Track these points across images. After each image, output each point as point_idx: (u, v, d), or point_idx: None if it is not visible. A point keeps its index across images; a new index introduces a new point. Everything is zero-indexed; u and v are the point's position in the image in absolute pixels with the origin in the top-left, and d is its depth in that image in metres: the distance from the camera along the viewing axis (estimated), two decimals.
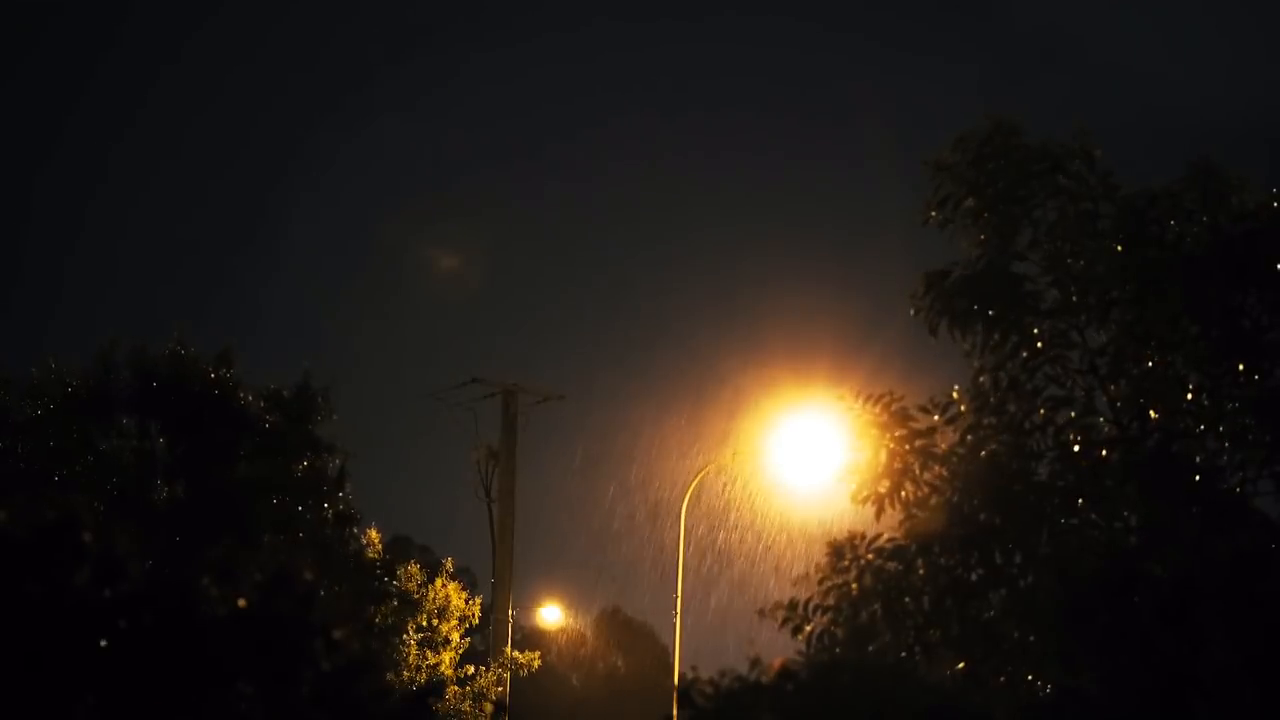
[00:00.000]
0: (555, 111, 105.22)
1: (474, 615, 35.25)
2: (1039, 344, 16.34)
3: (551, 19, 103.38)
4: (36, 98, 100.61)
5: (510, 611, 39.14)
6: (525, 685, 39.50)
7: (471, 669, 35.13)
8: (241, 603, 7.82)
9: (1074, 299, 16.46)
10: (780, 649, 15.41)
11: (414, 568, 34.31)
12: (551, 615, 59.39)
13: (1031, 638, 15.43)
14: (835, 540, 16.10)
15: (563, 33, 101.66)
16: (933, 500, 15.97)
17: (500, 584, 39.31)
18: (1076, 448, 16.00)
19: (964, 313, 16.39)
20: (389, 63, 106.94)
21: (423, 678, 33.03)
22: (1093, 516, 15.82)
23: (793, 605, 15.94)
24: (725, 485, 43.47)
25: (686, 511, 40.01)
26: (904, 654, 15.45)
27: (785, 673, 9.94)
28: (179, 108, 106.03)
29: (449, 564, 35.56)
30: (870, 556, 15.86)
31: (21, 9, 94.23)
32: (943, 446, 16.21)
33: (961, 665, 15.53)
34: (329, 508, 30.31)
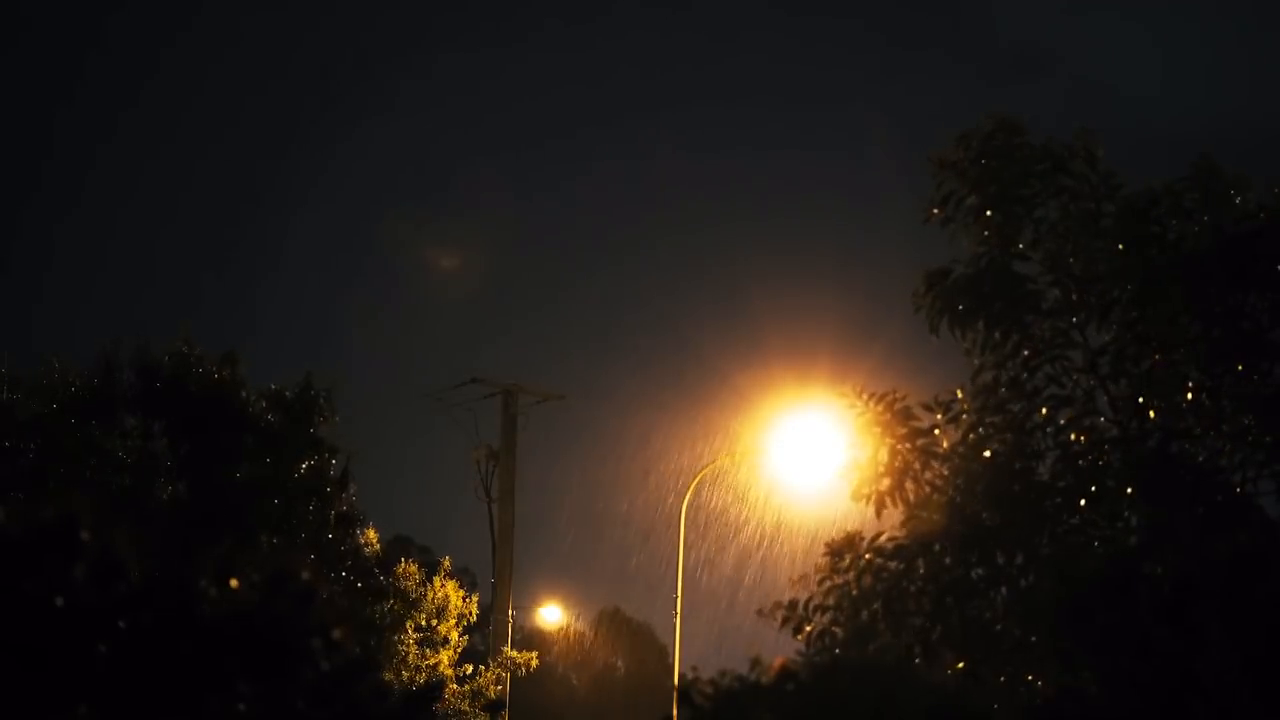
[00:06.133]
0: (554, 109, 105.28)
1: (471, 613, 35.17)
2: (1040, 343, 16.34)
3: (550, 14, 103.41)
4: (29, 95, 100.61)
5: (510, 611, 39.12)
6: (525, 685, 39.49)
7: (470, 668, 35.07)
8: (239, 597, 7.81)
9: (1075, 298, 16.45)
10: (780, 649, 15.42)
11: (412, 567, 34.28)
12: (551, 615, 59.43)
13: (1032, 637, 15.42)
14: (835, 540, 16.11)
15: (562, 29, 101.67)
16: (933, 499, 15.97)
17: (500, 584, 39.29)
18: (1077, 447, 16.00)
19: (965, 312, 16.38)
20: (387, 60, 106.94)
21: (422, 678, 33.00)
22: (1093, 516, 15.82)
23: (793, 605, 15.93)
24: (726, 485, 43.48)
25: (687, 511, 40.04)
26: (904, 654, 15.44)
27: (785, 673, 9.92)
28: (173, 106, 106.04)
29: (446, 563, 35.54)
30: (870, 556, 15.86)
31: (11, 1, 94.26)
32: (944, 446, 16.21)
33: (961, 665, 15.52)
34: (332, 509, 30.31)
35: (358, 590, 30.85)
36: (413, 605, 33.66)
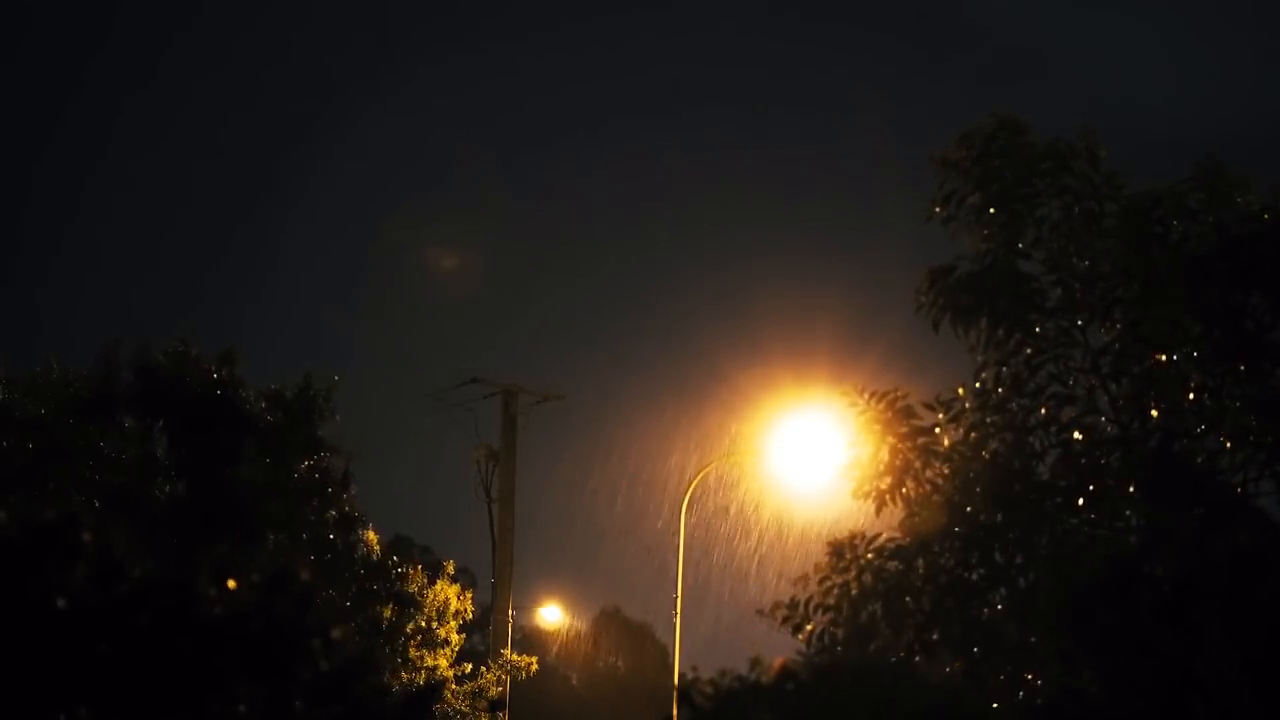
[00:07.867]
0: (554, 109, 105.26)
1: (466, 611, 35.13)
2: (1042, 342, 16.33)
3: (549, 14, 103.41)
4: (28, 95, 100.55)
5: (510, 612, 39.09)
6: (525, 685, 39.43)
7: (469, 666, 35.03)
8: (238, 597, 7.80)
9: (1077, 297, 16.45)
10: (780, 649, 15.40)
11: (417, 571, 34.24)
12: (551, 615, 59.34)
13: (1032, 638, 15.41)
14: (835, 539, 16.10)
15: (561, 29, 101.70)
16: (934, 498, 15.95)
17: (500, 584, 39.27)
18: (1078, 447, 15.99)
19: (967, 310, 16.37)
20: (387, 59, 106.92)
21: (422, 678, 32.97)
22: (1093, 516, 15.81)
23: (793, 604, 15.93)
24: (725, 485, 43.46)
25: (686, 511, 40.01)
26: (904, 653, 15.43)
27: (785, 673, 9.92)
28: (172, 105, 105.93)
29: (450, 567, 35.48)
30: (870, 556, 15.85)
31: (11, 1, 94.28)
32: (945, 444, 16.19)
33: (961, 665, 15.52)
34: (333, 509, 30.26)
35: (370, 590, 30.84)
36: (416, 608, 33.62)
